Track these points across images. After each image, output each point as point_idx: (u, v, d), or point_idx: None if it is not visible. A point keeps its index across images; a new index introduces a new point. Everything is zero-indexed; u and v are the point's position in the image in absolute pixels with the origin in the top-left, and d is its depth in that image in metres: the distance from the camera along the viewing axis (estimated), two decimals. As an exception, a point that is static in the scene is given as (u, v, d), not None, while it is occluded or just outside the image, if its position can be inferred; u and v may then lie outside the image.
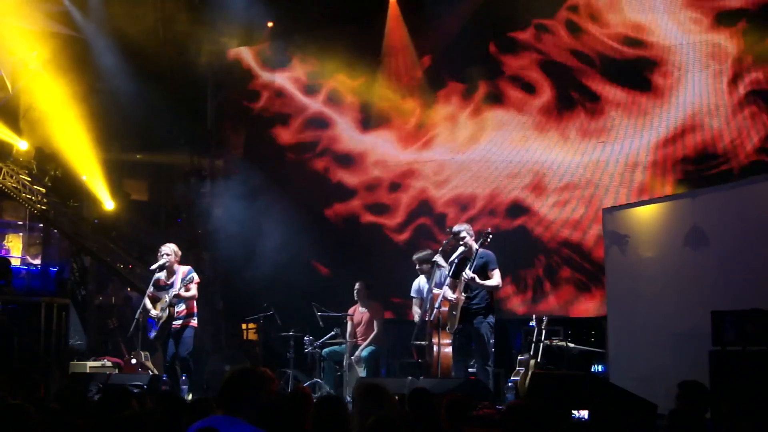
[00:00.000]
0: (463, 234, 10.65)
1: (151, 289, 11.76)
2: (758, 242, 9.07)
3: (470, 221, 11.87)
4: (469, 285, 10.38)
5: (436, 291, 11.00)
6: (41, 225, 15.86)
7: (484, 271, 10.50)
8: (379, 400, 5.41)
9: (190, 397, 10.91)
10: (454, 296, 10.59)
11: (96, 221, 16.36)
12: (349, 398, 11.47)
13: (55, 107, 15.48)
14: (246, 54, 17.15)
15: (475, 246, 10.59)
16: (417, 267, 12.05)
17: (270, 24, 16.21)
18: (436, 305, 10.61)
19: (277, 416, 5.12)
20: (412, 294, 12.11)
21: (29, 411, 4.85)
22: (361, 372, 12.45)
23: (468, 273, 10.32)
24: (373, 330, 12.87)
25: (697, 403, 6.14)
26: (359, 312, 13.07)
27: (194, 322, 11.74)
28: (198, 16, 15.94)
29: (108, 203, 16.25)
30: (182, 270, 11.73)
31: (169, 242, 11.95)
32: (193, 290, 11.66)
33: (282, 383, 12.71)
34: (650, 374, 9.64)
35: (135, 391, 9.51)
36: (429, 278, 11.48)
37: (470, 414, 6.50)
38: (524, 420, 5.00)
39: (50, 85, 15.51)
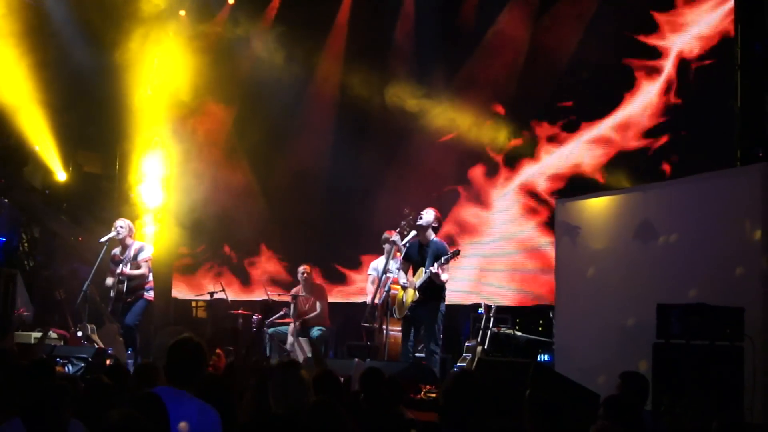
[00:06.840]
0: (422, 221, 10.60)
1: (111, 265, 11.96)
2: (706, 237, 9.16)
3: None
4: (433, 279, 10.32)
5: (390, 274, 10.98)
6: (-9, 194, 15.60)
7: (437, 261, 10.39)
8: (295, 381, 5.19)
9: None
10: (405, 280, 10.58)
11: (47, 192, 16.15)
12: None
13: (9, 76, 15.20)
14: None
15: (432, 236, 10.58)
16: (383, 245, 11.85)
17: (230, 1, 15.97)
18: (385, 288, 10.61)
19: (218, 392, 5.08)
20: (369, 271, 12.04)
21: None
22: (309, 353, 12.43)
23: (433, 268, 10.24)
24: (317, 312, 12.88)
25: (635, 394, 6.22)
26: (303, 297, 12.98)
27: (149, 295, 11.83)
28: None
29: (60, 174, 16.03)
30: (135, 246, 11.82)
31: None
32: (143, 268, 11.67)
33: (230, 361, 12.66)
34: (595, 364, 9.71)
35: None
36: (387, 258, 11.41)
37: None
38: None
39: (4, 53, 15.24)
